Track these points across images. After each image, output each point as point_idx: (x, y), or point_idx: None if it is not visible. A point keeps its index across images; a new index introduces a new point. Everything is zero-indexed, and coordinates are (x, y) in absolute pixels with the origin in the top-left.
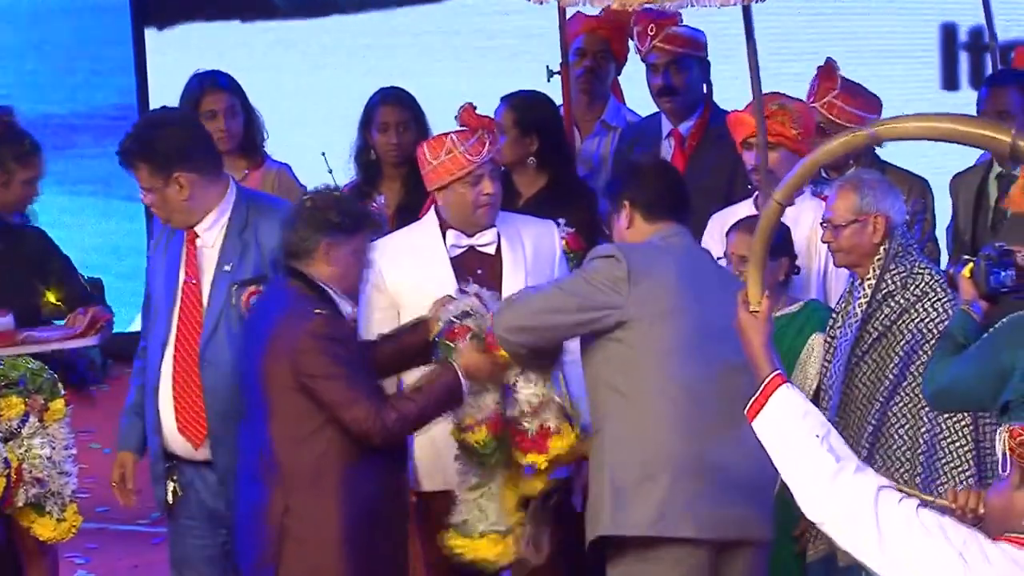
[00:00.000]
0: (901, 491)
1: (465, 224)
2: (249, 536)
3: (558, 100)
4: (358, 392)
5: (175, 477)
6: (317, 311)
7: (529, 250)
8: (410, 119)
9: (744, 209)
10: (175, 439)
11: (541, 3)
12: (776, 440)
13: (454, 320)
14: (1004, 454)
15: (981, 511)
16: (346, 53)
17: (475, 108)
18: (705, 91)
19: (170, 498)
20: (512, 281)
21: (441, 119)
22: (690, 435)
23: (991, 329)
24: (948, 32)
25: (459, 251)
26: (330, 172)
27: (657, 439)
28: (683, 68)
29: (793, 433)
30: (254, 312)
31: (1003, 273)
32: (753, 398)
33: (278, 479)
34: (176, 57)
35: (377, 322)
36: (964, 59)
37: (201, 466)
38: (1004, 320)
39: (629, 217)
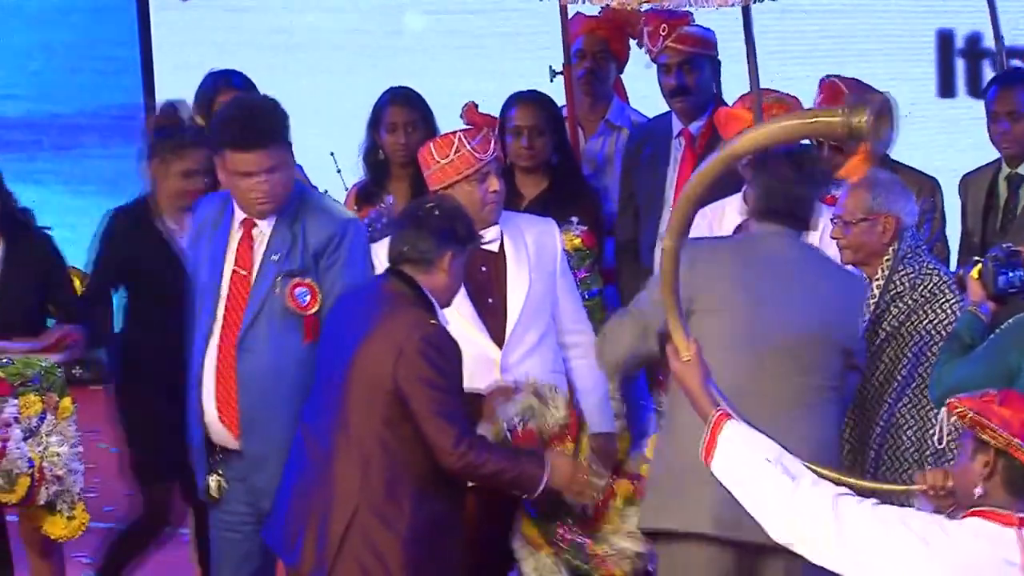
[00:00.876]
0: (866, 493)
1: None
2: (282, 512)
3: (559, 100)
4: (451, 410)
5: (220, 471)
6: (432, 320)
7: (532, 248)
8: (418, 119)
9: (733, 203)
10: (217, 430)
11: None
12: (733, 475)
13: (515, 422)
14: (952, 429)
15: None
16: (353, 53)
17: (477, 106)
18: (715, 90)
19: (214, 492)
20: (516, 279)
21: (444, 119)
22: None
23: (998, 330)
24: (944, 39)
25: None
26: (339, 172)
27: (690, 434)
28: (695, 68)
29: (746, 463)
30: (343, 305)
31: (1011, 274)
32: (704, 441)
33: (352, 470)
34: (183, 57)
35: None
36: (961, 66)
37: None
38: (1011, 321)
39: (748, 208)
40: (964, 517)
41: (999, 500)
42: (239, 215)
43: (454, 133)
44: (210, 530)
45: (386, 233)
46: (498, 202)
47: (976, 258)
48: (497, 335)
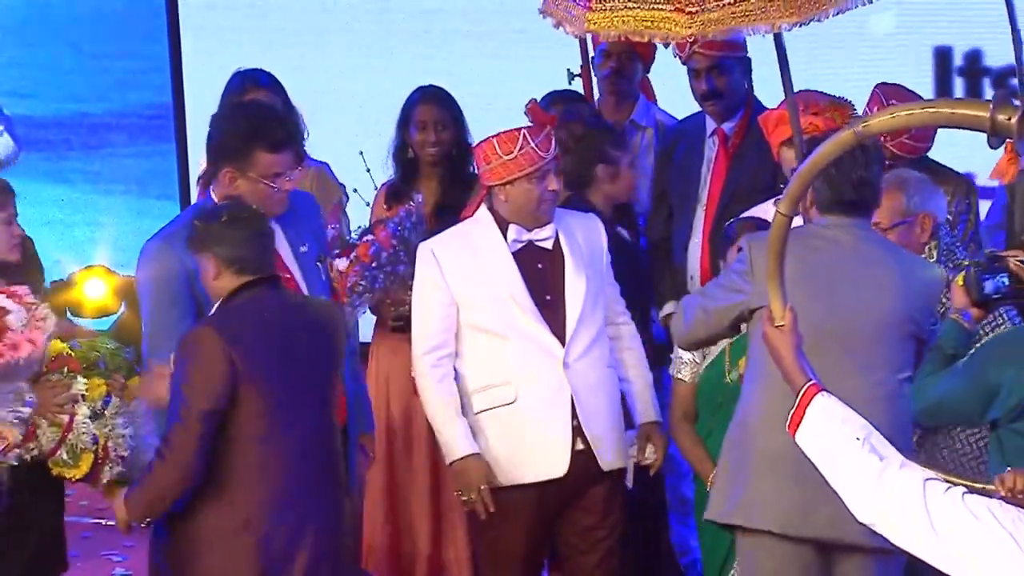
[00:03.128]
0: (948, 481)
1: (527, 219)
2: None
3: None
4: None
5: None
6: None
7: (583, 243)
8: (448, 118)
9: (765, 209)
10: None
11: (557, 28)
12: (819, 449)
13: None
14: None
15: None
16: (382, 51)
17: (538, 103)
18: (747, 88)
19: None
20: (574, 276)
21: (471, 118)
22: (779, 428)
23: (978, 346)
24: (942, 56)
25: (519, 246)
26: (368, 171)
27: (749, 428)
28: (725, 71)
29: (834, 440)
30: None
31: (996, 280)
32: (791, 411)
33: None
34: (212, 57)
35: (438, 319)
36: (960, 84)
37: None
38: (991, 336)
39: (809, 200)
40: None
41: None
42: None
43: (519, 130)
44: None
45: (416, 231)
46: (554, 201)
47: (967, 263)
48: (558, 331)
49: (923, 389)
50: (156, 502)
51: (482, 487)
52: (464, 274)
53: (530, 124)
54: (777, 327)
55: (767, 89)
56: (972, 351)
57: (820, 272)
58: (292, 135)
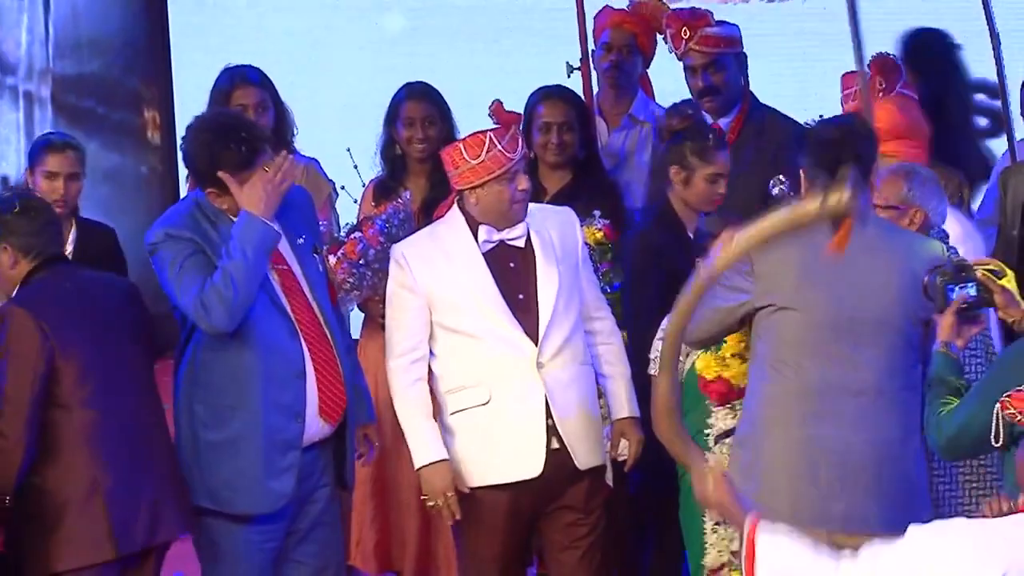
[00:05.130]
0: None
1: (499, 220)
2: None
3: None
4: None
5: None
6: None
7: (556, 239)
8: (436, 115)
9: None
10: (313, 423)
11: None
12: (781, 571)
13: None
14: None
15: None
16: (370, 48)
17: (503, 105)
18: (743, 84)
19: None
20: (546, 273)
21: (460, 115)
22: (794, 423)
23: (993, 363)
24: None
25: (490, 246)
26: (355, 168)
27: (757, 426)
28: (720, 67)
29: (788, 561)
30: None
31: (962, 289)
32: (743, 553)
33: None
34: (200, 52)
35: (409, 322)
36: None
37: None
38: (999, 357)
39: (804, 187)
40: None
41: None
42: None
43: (484, 132)
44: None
45: (404, 228)
46: (526, 200)
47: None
48: (531, 331)
49: (939, 424)
50: (5, 484)
51: (448, 493)
52: (435, 276)
53: (496, 126)
54: (705, 488)
55: (761, 85)
56: (985, 373)
57: (823, 262)
58: (256, 147)
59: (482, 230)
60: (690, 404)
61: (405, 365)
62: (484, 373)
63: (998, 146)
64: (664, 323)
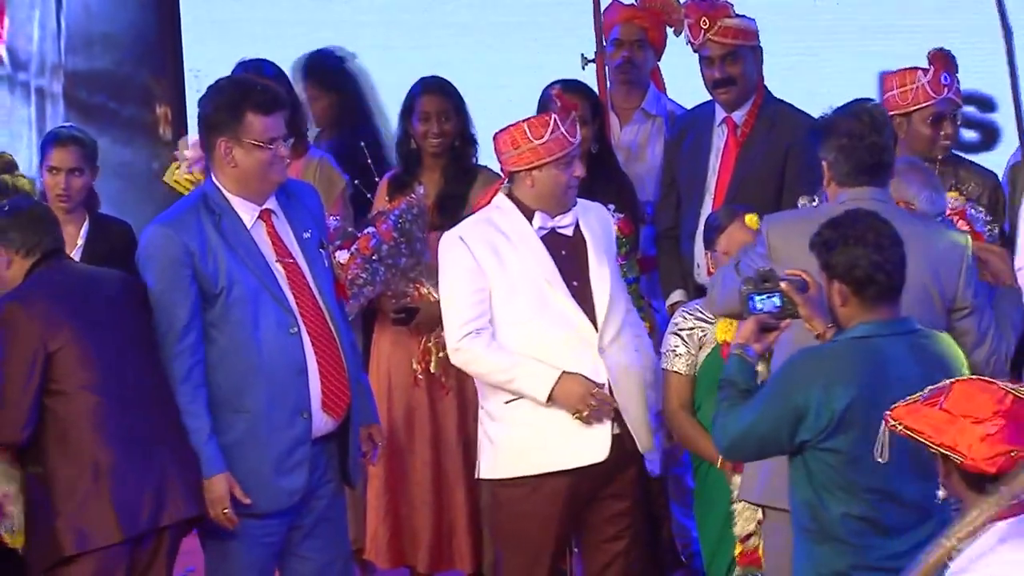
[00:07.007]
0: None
1: (552, 205)
2: None
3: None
4: None
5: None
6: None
7: (598, 230)
8: (451, 109)
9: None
10: (317, 418)
11: None
12: None
13: None
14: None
15: None
16: (383, 41)
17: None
18: (758, 78)
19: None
20: (598, 261)
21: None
22: None
23: (779, 369)
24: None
25: (543, 232)
26: (369, 163)
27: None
28: (737, 59)
29: None
30: None
31: (768, 298)
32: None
33: None
34: (212, 47)
35: (475, 304)
36: None
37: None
38: (789, 360)
39: (827, 178)
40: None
41: (965, 497)
42: (249, 211)
43: (549, 114)
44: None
45: (418, 223)
46: (577, 187)
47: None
48: (589, 317)
49: (724, 425)
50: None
51: (593, 391)
52: (498, 259)
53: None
54: None
55: (776, 80)
56: (771, 378)
57: None
58: (280, 99)
59: (537, 216)
60: (703, 396)
61: (472, 334)
62: (549, 356)
63: (989, 160)
64: (674, 297)
